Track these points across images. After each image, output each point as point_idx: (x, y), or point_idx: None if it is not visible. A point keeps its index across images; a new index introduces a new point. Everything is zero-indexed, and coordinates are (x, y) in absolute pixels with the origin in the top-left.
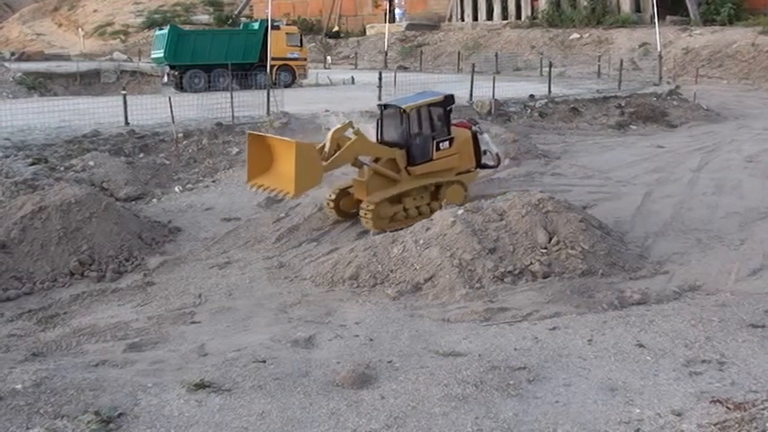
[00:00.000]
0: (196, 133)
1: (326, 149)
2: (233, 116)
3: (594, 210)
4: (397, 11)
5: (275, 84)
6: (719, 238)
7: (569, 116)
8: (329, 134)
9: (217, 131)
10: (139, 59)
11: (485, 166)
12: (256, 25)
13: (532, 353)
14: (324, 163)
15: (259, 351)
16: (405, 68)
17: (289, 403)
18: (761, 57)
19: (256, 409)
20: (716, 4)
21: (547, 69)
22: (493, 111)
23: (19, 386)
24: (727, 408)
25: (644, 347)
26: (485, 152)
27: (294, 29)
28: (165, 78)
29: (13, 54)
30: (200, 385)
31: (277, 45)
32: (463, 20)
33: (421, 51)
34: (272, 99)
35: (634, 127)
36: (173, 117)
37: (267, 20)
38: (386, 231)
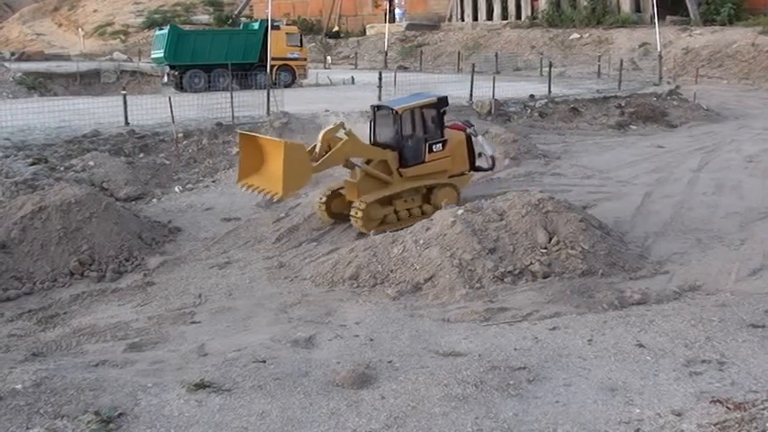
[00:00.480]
0: (196, 133)
1: (317, 150)
2: (233, 116)
3: (594, 210)
4: (397, 11)
5: (275, 84)
6: (719, 238)
7: (569, 116)
8: (320, 135)
9: (217, 131)
10: (139, 59)
11: (479, 169)
12: (256, 25)
13: (532, 353)
14: (314, 164)
15: (259, 351)
16: (405, 68)
17: (289, 403)
18: (761, 57)
19: (256, 409)
20: (716, 4)
21: (547, 69)
22: (493, 111)
23: (19, 386)
24: (727, 408)
25: (644, 347)
26: (479, 155)
27: (294, 29)
28: (165, 78)
29: (13, 54)
30: (200, 385)
31: (277, 45)
32: (463, 20)
33: (421, 51)
34: (272, 99)
35: (634, 127)
36: (173, 117)
37: (267, 20)
38: (384, 232)
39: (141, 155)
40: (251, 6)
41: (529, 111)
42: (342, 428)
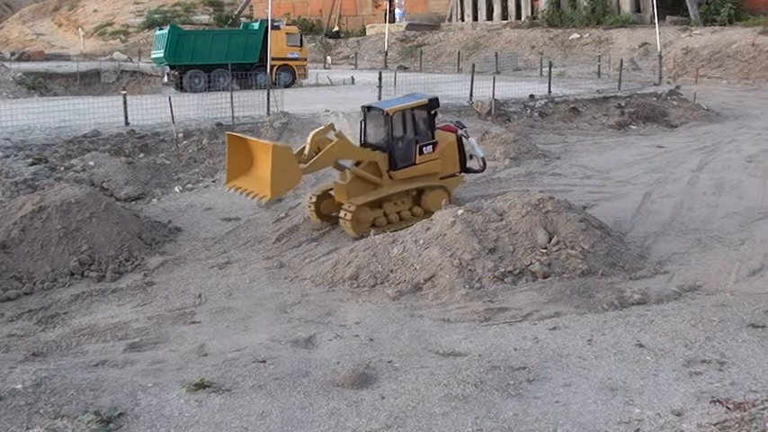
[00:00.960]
0: (196, 133)
1: (306, 152)
2: (233, 116)
3: (594, 210)
4: (397, 11)
5: (275, 84)
6: (719, 238)
7: (569, 116)
8: (309, 136)
9: (217, 131)
10: (139, 59)
11: (469, 171)
12: (256, 25)
13: (532, 353)
14: (303, 166)
15: (259, 351)
16: (405, 68)
17: (289, 403)
18: (761, 57)
19: (256, 409)
20: (716, 4)
21: (547, 69)
22: (493, 111)
23: (19, 386)
24: (727, 408)
25: (644, 347)
26: (470, 156)
27: (294, 29)
28: (165, 78)
29: (13, 54)
30: (200, 385)
31: (277, 45)
32: (463, 20)
33: (421, 51)
34: (272, 99)
35: (634, 127)
36: (173, 117)
37: (267, 20)
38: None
39: (141, 155)
40: (251, 6)
41: (529, 111)
42: (342, 428)
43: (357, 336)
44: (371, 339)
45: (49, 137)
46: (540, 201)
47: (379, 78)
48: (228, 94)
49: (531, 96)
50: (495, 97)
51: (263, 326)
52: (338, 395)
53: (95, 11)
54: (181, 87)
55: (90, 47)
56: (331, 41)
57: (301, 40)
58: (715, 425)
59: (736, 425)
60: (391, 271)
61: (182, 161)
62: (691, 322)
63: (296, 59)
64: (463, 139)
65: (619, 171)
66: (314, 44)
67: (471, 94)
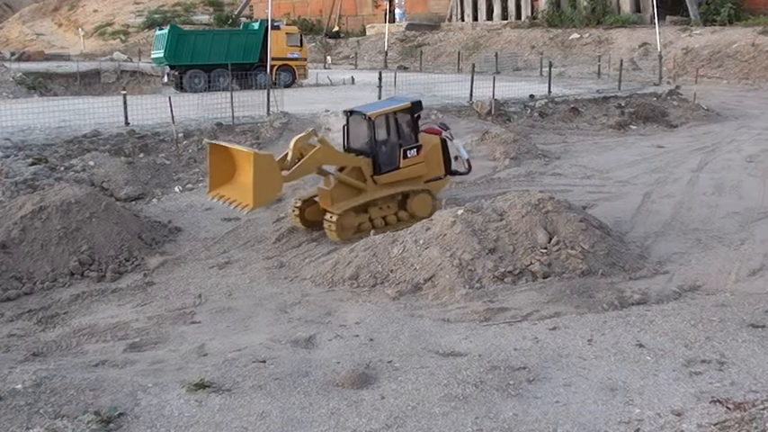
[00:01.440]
0: (196, 133)
1: (289, 159)
2: (233, 116)
3: (594, 210)
4: (397, 11)
5: (275, 84)
6: (719, 238)
7: (569, 116)
8: (291, 142)
9: (217, 131)
10: (139, 59)
11: (455, 173)
12: (256, 25)
13: (532, 353)
14: (285, 173)
15: (259, 351)
16: (405, 68)
17: (289, 403)
18: (761, 57)
19: (256, 409)
20: (716, 4)
21: (547, 69)
22: (493, 111)
23: (19, 386)
24: (727, 408)
25: (644, 347)
26: (456, 158)
27: (294, 29)
28: (165, 78)
29: (13, 54)
30: (200, 385)
31: (277, 45)
32: (463, 20)
33: (421, 51)
34: (272, 99)
35: (634, 127)
36: (173, 117)
37: (267, 20)
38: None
39: (141, 155)
40: (251, 6)
41: (529, 111)
42: (342, 428)
43: (357, 336)
44: (371, 339)
45: (49, 137)
46: (540, 201)
47: (379, 78)
48: (228, 94)
49: (531, 96)
50: (495, 97)
51: (263, 326)
52: (338, 395)
53: (95, 11)
54: (181, 87)
55: (90, 47)
56: (331, 41)
57: (301, 40)
58: (715, 425)
59: (736, 425)
60: (391, 271)
61: (182, 161)
62: (691, 322)
63: (296, 59)
64: (447, 141)
65: (619, 171)
66: (314, 44)
67: (471, 94)
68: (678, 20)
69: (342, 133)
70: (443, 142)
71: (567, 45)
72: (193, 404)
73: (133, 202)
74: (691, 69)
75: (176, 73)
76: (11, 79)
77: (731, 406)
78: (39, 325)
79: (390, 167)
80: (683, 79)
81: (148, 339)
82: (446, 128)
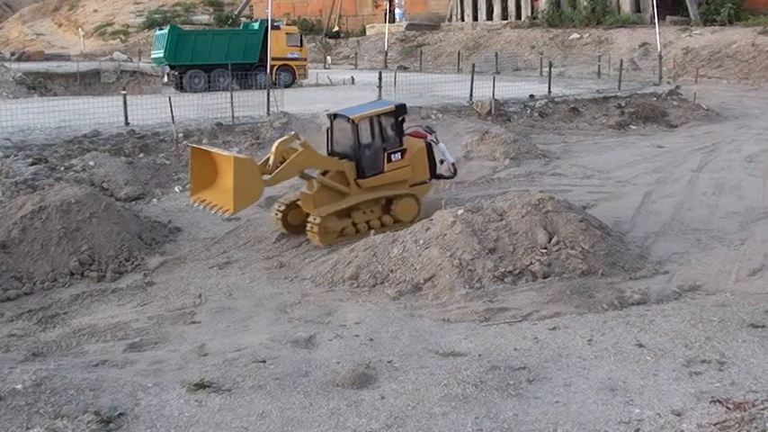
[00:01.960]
0: (196, 133)
1: (271, 162)
2: (233, 116)
3: (594, 210)
4: (397, 11)
5: (275, 84)
6: (719, 238)
7: (569, 116)
8: (273, 146)
9: (217, 131)
10: (139, 59)
11: (440, 177)
12: (256, 25)
13: (532, 353)
14: (267, 177)
15: (259, 351)
16: (405, 68)
17: (289, 403)
18: (761, 57)
19: (256, 409)
20: (716, 4)
21: (547, 69)
22: (493, 111)
23: (19, 386)
24: (727, 408)
25: (644, 347)
26: (441, 162)
27: (294, 29)
28: (165, 78)
29: (13, 54)
30: (200, 385)
31: (277, 45)
32: (463, 20)
33: (421, 51)
34: (272, 99)
35: (634, 127)
36: (173, 117)
37: (267, 20)
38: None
39: (141, 155)
40: (251, 6)
41: (529, 111)
42: (342, 428)
43: (357, 336)
44: (371, 339)
45: (49, 137)
46: (540, 201)
47: (379, 78)
48: (228, 94)
49: (531, 96)
50: (495, 97)
51: (263, 326)
52: (338, 395)
53: (95, 11)
54: (181, 87)
55: (90, 47)
56: (331, 41)
57: (301, 40)
58: (715, 425)
59: (736, 425)
60: (391, 271)
61: (182, 161)
62: (691, 322)
63: (296, 59)
64: (433, 145)
65: (619, 171)
66: (314, 44)
67: (471, 94)
68: (678, 20)
69: (325, 136)
70: (428, 146)
71: (567, 45)
72: (193, 404)
73: (133, 202)
74: (691, 69)
75: (176, 73)
76: (11, 79)
77: (731, 406)
78: (39, 325)
79: (374, 171)
80: (683, 79)
81: (148, 339)
82: (431, 131)
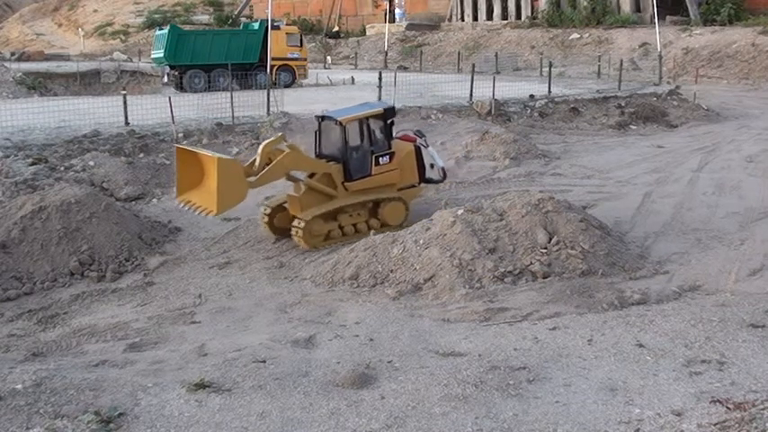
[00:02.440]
0: (196, 133)
1: (257, 164)
2: (233, 116)
3: (594, 210)
4: (397, 11)
5: (275, 84)
6: (719, 238)
7: (569, 116)
8: (260, 147)
9: (217, 131)
10: (139, 59)
11: (429, 181)
12: (256, 25)
13: (532, 353)
14: (252, 179)
15: (259, 351)
16: (405, 68)
17: (289, 403)
18: (761, 57)
19: (256, 409)
20: (716, 4)
21: (547, 69)
22: (493, 111)
23: (19, 386)
24: (727, 408)
25: (644, 347)
26: (432, 166)
27: (294, 29)
28: (165, 78)
29: (13, 54)
30: (200, 385)
31: (277, 45)
32: (463, 20)
33: (421, 51)
34: (272, 99)
35: (634, 127)
36: (173, 117)
37: (267, 20)
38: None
39: (141, 155)
40: (251, 6)
41: (529, 111)
42: (342, 428)
43: (357, 336)
44: (371, 339)
45: (49, 137)
46: (540, 201)
47: (379, 78)
48: (228, 94)
49: (531, 96)
50: (495, 97)
51: (263, 326)
52: (338, 395)
53: (95, 11)
54: (181, 87)
55: (90, 47)
56: (331, 41)
57: (301, 40)
58: (715, 425)
59: (736, 425)
60: (391, 271)
61: None
62: (691, 322)
63: (296, 59)
64: (422, 148)
65: (619, 171)
66: (314, 44)
67: (471, 94)
68: (678, 20)
69: (314, 138)
70: (418, 149)
71: (567, 45)
72: (193, 404)
73: (133, 202)
74: (691, 69)
75: (176, 73)
76: (11, 79)
77: (731, 406)
78: (39, 325)
79: (361, 174)
80: (683, 79)
81: (148, 339)
82: (421, 135)
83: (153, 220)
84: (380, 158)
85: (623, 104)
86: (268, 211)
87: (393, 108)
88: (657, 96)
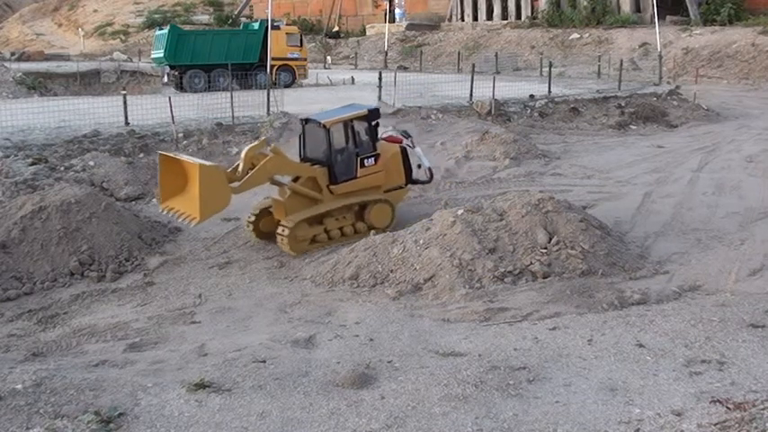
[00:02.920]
0: (196, 133)
1: (240, 169)
2: (233, 116)
3: (594, 210)
4: (397, 11)
5: (275, 84)
6: (719, 238)
7: (569, 116)
8: (243, 152)
9: (217, 131)
10: (139, 59)
11: (416, 182)
12: (256, 25)
13: (532, 353)
14: (235, 184)
15: (259, 351)
16: (405, 68)
17: (289, 403)
18: (761, 57)
19: (256, 409)
20: (716, 4)
21: (547, 69)
22: (493, 111)
23: (19, 386)
24: (727, 408)
25: (644, 347)
26: (418, 166)
27: (294, 29)
28: (165, 78)
29: (13, 54)
30: (200, 385)
31: (277, 45)
32: (463, 20)
33: (421, 51)
34: (272, 99)
35: (634, 127)
36: (173, 117)
37: (267, 20)
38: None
39: (141, 155)
40: (251, 6)
41: (529, 111)
42: (342, 428)
43: (357, 336)
44: (371, 339)
45: (49, 137)
46: (540, 201)
47: (379, 78)
48: (228, 94)
49: (531, 96)
50: (495, 97)
51: (263, 326)
52: (338, 395)
53: (95, 11)
54: (181, 87)
55: (90, 47)
56: (331, 41)
57: (301, 40)
58: (715, 425)
59: (736, 425)
60: (391, 271)
61: None
62: (691, 322)
63: (296, 59)
64: (408, 149)
65: (619, 171)
66: (314, 44)
67: (471, 94)
68: (678, 20)
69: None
70: (404, 151)
71: (567, 45)
72: (193, 404)
73: (133, 202)
74: (691, 69)
75: (176, 73)
76: (11, 79)
77: (731, 406)
78: (39, 325)
79: (347, 177)
80: (683, 79)
81: (148, 339)
82: (407, 136)
83: (153, 220)
84: (366, 160)
85: (623, 104)
86: (252, 219)
87: (377, 109)
88: (657, 96)
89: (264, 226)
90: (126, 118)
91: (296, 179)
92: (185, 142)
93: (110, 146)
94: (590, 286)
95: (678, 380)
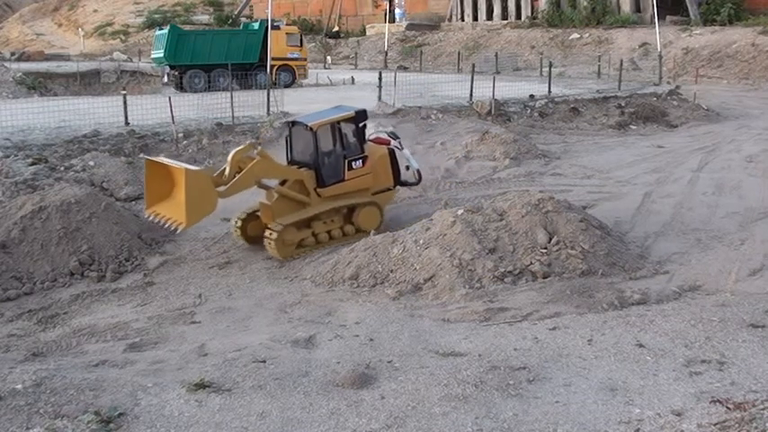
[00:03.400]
0: (196, 133)
1: (227, 173)
2: (233, 116)
3: (594, 210)
4: (397, 11)
5: (275, 84)
6: (719, 238)
7: (569, 116)
8: (229, 156)
9: (217, 131)
10: (139, 59)
11: (405, 184)
12: (256, 25)
13: (532, 353)
14: (222, 188)
15: (259, 351)
16: (405, 68)
17: (289, 403)
18: (761, 57)
19: (256, 409)
20: (716, 4)
21: (547, 69)
22: (493, 111)
23: (19, 386)
24: (727, 408)
25: (644, 347)
26: (407, 168)
27: (294, 29)
28: (165, 78)
29: (13, 54)
30: (200, 385)
31: (277, 45)
32: (463, 20)
33: (421, 51)
34: (272, 99)
35: (634, 127)
36: (173, 117)
37: (267, 20)
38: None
39: (141, 155)
40: (251, 6)
41: (529, 111)
42: (342, 428)
43: (357, 336)
44: (371, 339)
45: (49, 137)
46: (540, 201)
47: (379, 78)
48: (228, 94)
49: (531, 96)
50: (495, 97)
51: (263, 326)
52: (338, 395)
53: (95, 11)
54: (181, 87)
55: (90, 47)
56: (331, 41)
57: (301, 40)
58: (715, 425)
59: (736, 425)
60: (391, 271)
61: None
62: (691, 322)
63: (296, 59)
64: (396, 151)
65: (619, 171)
66: (314, 44)
67: (471, 94)
68: (678, 20)
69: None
70: (392, 152)
71: (567, 45)
72: (193, 404)
73: (133, 202)
74: (691, 69)
75: (176, 73)
76: (11, 79)
77: (731, 406)
78: (39, 325)
79: (334, 179)
80: (683, 79)
81: (148, 339)
82: (395, 137)
83: (153, 221)
84: (353, 163)
85: (623, 104)
86: (239, 223)
87: (365, 111)
88: (657, 96)
89: (252, 230)
90: (126, 118)
91: (283, 182)
92: (185, 142)
93: (110, 146)
94: (590, 286)
95: (678, 380)
